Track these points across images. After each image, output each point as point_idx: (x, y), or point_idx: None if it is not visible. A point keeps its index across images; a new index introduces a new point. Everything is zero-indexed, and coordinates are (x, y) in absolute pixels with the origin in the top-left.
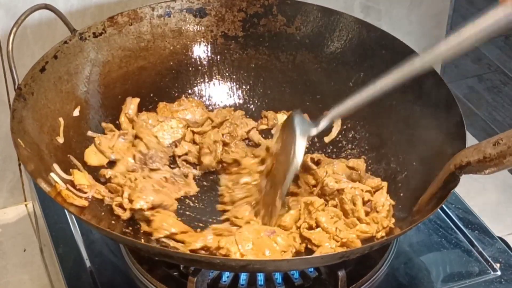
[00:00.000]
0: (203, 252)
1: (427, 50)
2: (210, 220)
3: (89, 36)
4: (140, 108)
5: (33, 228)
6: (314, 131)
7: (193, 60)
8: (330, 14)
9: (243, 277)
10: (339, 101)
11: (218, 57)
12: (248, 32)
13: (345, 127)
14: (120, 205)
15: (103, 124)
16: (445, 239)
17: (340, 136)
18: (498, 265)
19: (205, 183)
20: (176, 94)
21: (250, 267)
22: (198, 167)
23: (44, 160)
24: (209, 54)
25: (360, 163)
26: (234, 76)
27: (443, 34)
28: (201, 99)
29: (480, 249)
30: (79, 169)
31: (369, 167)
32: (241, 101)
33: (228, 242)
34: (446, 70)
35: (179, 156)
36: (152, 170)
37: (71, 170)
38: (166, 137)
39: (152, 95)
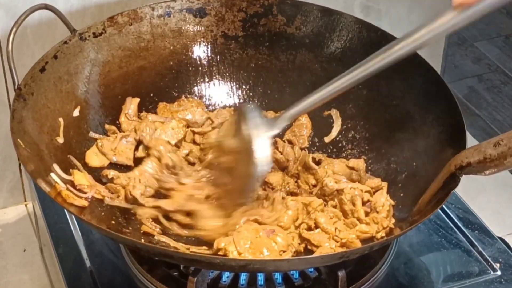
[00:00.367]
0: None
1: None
2: None
3: (89, 36)
4: (140, 108)
5: (33, 228)
6: (274, 131)
7: (193, 60)
8: (330, 14)
9: (243, 277)
10: (338, 100)
11: (218, 57)
12: (248, 32)
13: (345, 127)
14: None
15: (106, 126)
16: (445, 239)
17: (340, 136)
18: (498, 265)
19: None
20: (176, 94)
21: (250, 267)
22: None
23: (44, 160)
24: (209, 54)
25: (360, 163)
26: (234, 76)
27: None
28: (201, 99)
29: (480, 249)
30: (79, 169)
31: (369, 167)
32: (241, 101)
33: (226, 242)
34: (446, 70)
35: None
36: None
37: (71, 170)
38: (169, 138)
39: (152, 95)
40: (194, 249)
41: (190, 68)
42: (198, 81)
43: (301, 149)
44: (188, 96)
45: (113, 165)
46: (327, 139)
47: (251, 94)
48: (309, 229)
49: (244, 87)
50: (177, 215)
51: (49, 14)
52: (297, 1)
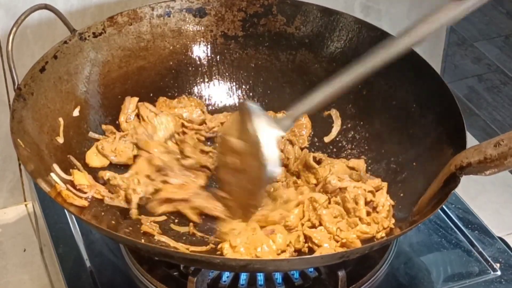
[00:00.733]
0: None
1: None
2: None
3: (88, 36)
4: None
5: (33, 228)
6: (281, 133)
7: (192, 60)
8: (330, 14)
9: (243, 277)
10: (338, 100)
11: (218, 57)
12: (248, 31)
13: (345, 127)
14: None
15: (103, 127)
16: (445, 239)
17: (340, 136)
18: (498, 265)
19: None
20: (176, 94)
21: (250, 267)
22: None
23: (44, 160)
24: (209, 54)
25: (360, 163)
26: (234, 76)
27: (443, 34)
28: (201, 99)
29: (480, 249)
30: (79, 169)
31: (369, 167)
32: (241, 101)
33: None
34: (446, 70)
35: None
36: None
37: (71, 170)
38: (160, 132)
39: (151, 95)
40: (193, 249)
41: (190, 68)
42: (198, 81)
43: (301, 149)
44: (189, 95)
45: (114, 165)
46: (327, 139)
47: (251, 94)
48: (313, 226)
49: (244, 87)
50: (189, 213)
51: (49, 14)
52: (297, 1)
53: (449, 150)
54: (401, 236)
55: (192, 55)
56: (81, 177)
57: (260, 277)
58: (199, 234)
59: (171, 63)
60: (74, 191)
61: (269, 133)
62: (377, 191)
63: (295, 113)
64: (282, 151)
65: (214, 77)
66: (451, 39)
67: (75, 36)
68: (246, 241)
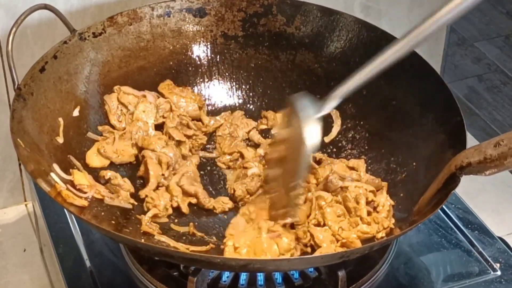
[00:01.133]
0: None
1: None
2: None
3: (88, 36)
4: None
5: (33, 228)
6: (323, 111)
7: (192, 60)
8: (330, 14)
9: (243, 277)
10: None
11: (218, 57)
12: (248, 31)
13: (345, 127)
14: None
15: (100, 128)
16: (445, 239)
17: (340, 136)
18: (498, 265)
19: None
20: None
21: (251, 266)
22: None
23: (44, 160)
24: (209, 54)
25: (360, 163)
26: (234, 76)
27: (443, 34)
28: None
29: (480, 249)
30: (79, 169)
31: (369, 167)
32: (240, 101)
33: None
34: (446, 70)
35: None
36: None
37: (71, 170)
38: (150, 121)
39: None
40: (193, 248)
41: (190, 68)
42: (198, 81)
43: None
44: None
45: (114, 165)
46: (327, 139)
47: (251, 94)
48: (318, 225)
49: (244, 87)
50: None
51: (49, 14)
52: (297, 1)
53: (449, 150)
54: (401, 236)
55: (192, 55)
56: (81, 177)
57: (260, 277)
58: (199, 234)
59: (171, 63)
60: (74, 191)
61: (310, 111)
62: (377, 191)
63: (339, 93)
64: None
65: (214, 77)
66: (451, 39)
67: (75, 36)
68: (249, 243)
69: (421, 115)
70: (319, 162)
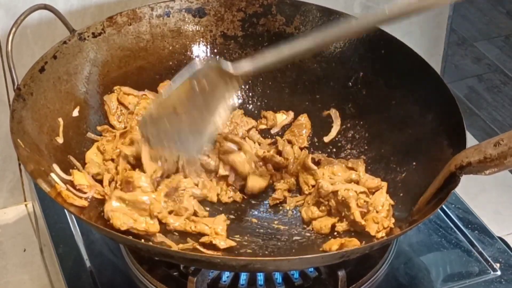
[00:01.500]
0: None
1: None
2: None
3: (88, 36)
4: None
5: (33, 228)
6: (229, 67)
7: (192, 60)
8: (329, 14)
9: (243, 277)
10: (338, 100)
11: (217, 57)
12: (247, 31)
13: (344, 127)
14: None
15: (99, 128)
16: (445, 239)
17: (339, 136)
18: (498, 265)
19: None
20: None
21: (251, 266)
22: None
23: (44, 160)
24: (209, 54)
25: (359, 164)
26: None
27: (443, 34)
28: None
29: (480, 249)
30: (78, 169)
31: (369, 167)
32: (240, 101)
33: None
34: (446, 70)
35: None
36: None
37: (71, 170)
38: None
39: None
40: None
41: None
42: None
43: (301, 149)
44: None
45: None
46: (326, 139)
47: (250, 93)
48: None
49: (243, 87)
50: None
51: (49, 14)
52: (296, 1)
53: (449, 150)
54: (401, 235)
55: (192, 55)
56: (81, 177)
57: (260, 277)
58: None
59: (170, 63)
60: (74, 191)
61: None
62: (376, 191)
63: (257, 61)
64: (281, 152)
65: None
66: (451, 39)
67: (75, 36)
68: None
69: (420, 115)
70: (318, 162)
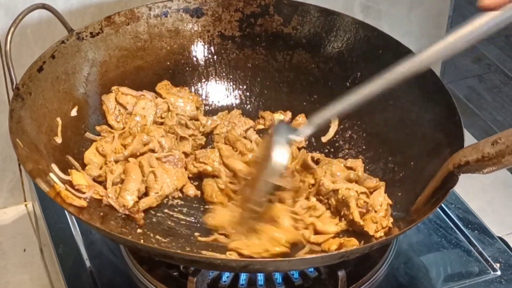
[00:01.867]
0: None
1: (424, 49)
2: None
3: (86, 36)
4: None
5: (33, 228)
6: (298, 137)
7: (190, 60)
8: (327, 14)
9: (243, 277)
10: (334, 101)
11: (215, 57)
12: (245, 32)
13: (342, 126)
14: None
15: (97, 128)
16: (445, 239)
17: (337, 136)
18: (498, 265)
19: None
20: None
21: (251, 267)
22: None
23: (43, 159)
24: (206, 54)
25: (358, 163)
26: (231, 76)
27: (443, 34)
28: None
29: (480, 249)
30: (77, 169)
31: (367, 167)
32: (238, 101)
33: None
34: (446, 70)
35: None
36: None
37: (69, 170)
38: (149, 118)
39: None
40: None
41: (187, 68)
42: (195, 81)
43: (299, 149)
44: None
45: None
46: (324, 139)
47: (248, 94)
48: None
49: (241, 87)
50: None
51: (49, 13)
52: (294, 1)
53: (447, 149)
54: (400, 235)
55: (189, 55)
56: (79, 177)
57: (260, 277)
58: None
59: (168, 63)
60: (73, 191)
61: (284, 135)
62: (374, 190)
63: (316, 121)
64: None
65: (211, 77)
66: None
67: (73, 36)
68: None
69: (418, 115)
70: (317, 162)
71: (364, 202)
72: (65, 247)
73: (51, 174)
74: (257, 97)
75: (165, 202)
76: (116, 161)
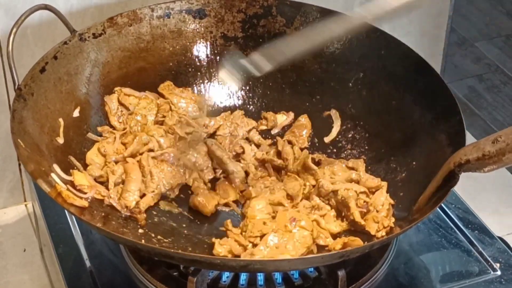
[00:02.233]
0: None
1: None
2: None
3: (88, 36)
4: None
5: (33, 228)
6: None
7: (192, 61)
8: (330, 14)
9: (243, 277)
10: (338, 101)
11: (218, 58)
12: (248, 33)
13: (344, 127)
14: None
15: (99, 128)
16: (445, 239)
17: (339, 136)
18: (498, 265)
19: None
20: None
21: (251, 267)
22: None
23: (44, 160)
24: (209, 55)
25: (360, 163)
26: None
27: (443, 34)
28: None
29: (480, 249)
30: (79, 170)
31: (369, 167)
32: (240, 102)
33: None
34: (446, 70)
35: None
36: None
37: (71, 170)
38: (149, 116)
39: None
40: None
41: (190, 69)
42: (198, 82)
43: (301, 149)
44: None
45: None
46: (327, 140)
47: (250, 94)
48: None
49: (243, 87)
50: None
51: (50, 14)
52: (297, 2)
53: (448, 149)
54: (401, 234)
55: (192, 56)
56: (81, 178)
57: (260, 277)
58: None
59: (171, 64)
60: (74, 191)
61: None
62: (376, 190)
63: None
64: (280, 152)
65: (213, 78)
66: (451, 39)
67: (75, 36)
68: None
69: (420, 115)
70: (318, 163)
71: (364, 201)
72: (65, 247)
73: (52, 175)
74: (259, 97)
75: (165, 202)
76: (116, 162)
